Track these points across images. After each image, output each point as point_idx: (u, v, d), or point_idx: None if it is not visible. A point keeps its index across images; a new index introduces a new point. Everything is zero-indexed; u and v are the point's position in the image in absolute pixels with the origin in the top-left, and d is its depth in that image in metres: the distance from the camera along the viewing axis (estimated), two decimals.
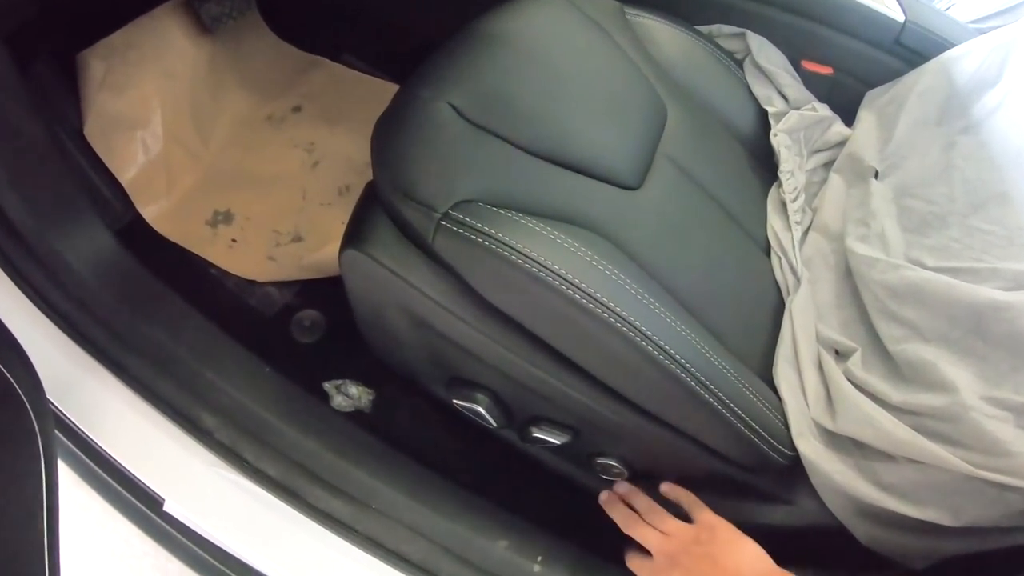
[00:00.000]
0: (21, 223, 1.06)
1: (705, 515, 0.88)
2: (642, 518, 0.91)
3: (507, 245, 0.77)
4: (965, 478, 0.80)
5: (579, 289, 0.76)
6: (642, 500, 0.94)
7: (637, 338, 0.78)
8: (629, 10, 1.19)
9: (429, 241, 0.80)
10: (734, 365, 0.88)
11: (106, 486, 1.27)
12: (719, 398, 0.83)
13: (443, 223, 0.79)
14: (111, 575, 1.50)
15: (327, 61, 1.69)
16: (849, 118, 1.24)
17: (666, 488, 0.95)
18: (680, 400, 0.83)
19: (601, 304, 0.77)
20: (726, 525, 0.86)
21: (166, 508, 1.13)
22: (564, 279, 0.76)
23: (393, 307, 0.91)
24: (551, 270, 0.76)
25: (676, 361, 0.80)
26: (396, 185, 0.83)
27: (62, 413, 1.07)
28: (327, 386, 1.19)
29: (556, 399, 0.90)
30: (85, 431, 1.15)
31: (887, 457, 0.88)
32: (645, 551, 0.88)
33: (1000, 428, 0.79)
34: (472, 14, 1.03)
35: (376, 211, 0.87)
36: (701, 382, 0.81)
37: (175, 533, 1.19)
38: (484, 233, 0.77)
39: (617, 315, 0.77)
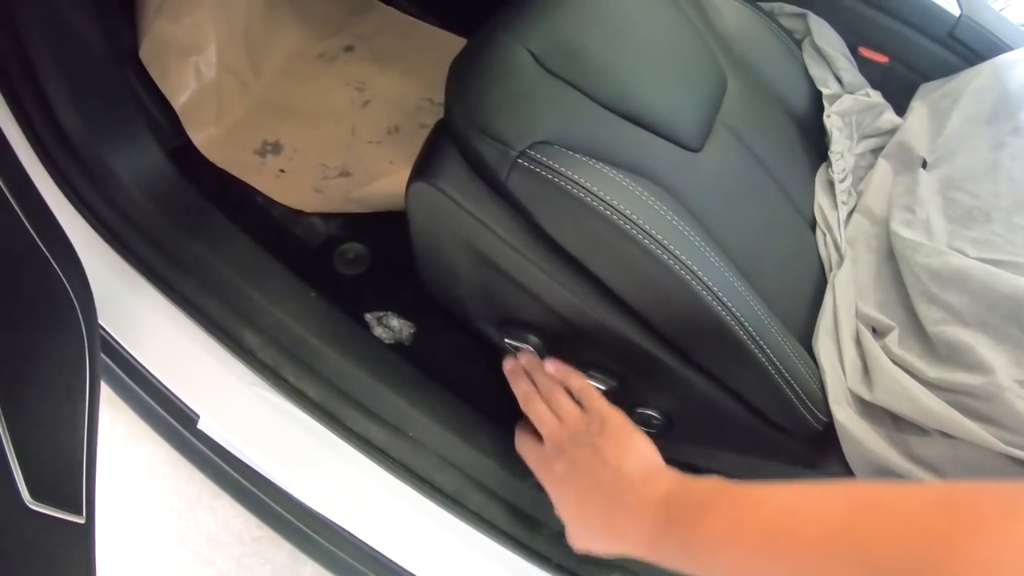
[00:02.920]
0: (77, 136, 1.07)
1: (598, 403, 0.89)
2: (542, 397, 0.92)
3: (581, 186, 0.79)
4: (995, 455, 0.83)
5: (647, 234, 0.79)
6: (544, 378, 0.95)
7: (697, 285, 0.80)
8: None
9: (503, 178, 0.82)
10: (781, 327, 0.90)
11: (141, 402, 1.29)
12: (766, 354, 0.85)
13: (519, 160, 0.80)
14: (131, 499, 1.53)
15: (382, 4, 1.70)
16: (900, 107, 1.26)
17: (552, 368, 0.95)
18: (730, 351, 0.85)
19: (667, 250, 0.79)
20: (620, 418, 0.86)
21: (200, 426, 1.15)
22: (634, 223, 0.78)
23: (457, 242, 0.92)
24: (623, 213, 0.78)
25: (731, 311, 0.82)
26: (473, 121, 0.84)
27: (103, 327, 1.09)
28: (368, 317, 1.21)
29: (609, 344, 0.91)
30: (125, 345, 1.16)
31: (920, 430, 0.90)
32: (537, 435, 0.90)
33: None
34: None
35: (448, 147, 0.88)
36: (751, 335, 0.83)
37: (207, 451, 1.21)
38: (560, 173, 0.79)
39: (681, 262, 0.79)
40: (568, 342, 0.96)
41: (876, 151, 1.25)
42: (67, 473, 0.81)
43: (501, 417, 1.03)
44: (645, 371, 0.93)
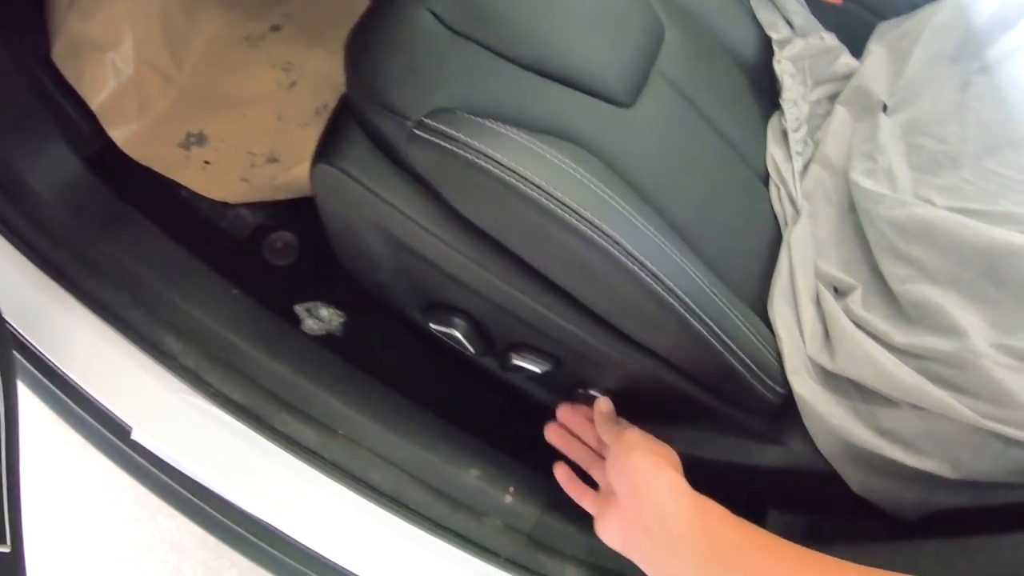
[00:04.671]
0: None
1: (626, 438, 0.79)
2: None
3: (483, 153, 0.72)
4: (970, 428, 0.78)
5: (561, 203, 0.72)
6: (589, 431, 0.91)
7: (623, 257, 0.74)
8: None
9: (403, 152, 0.76)
10: (727, 295, 0.85)
11: (75, 416, 1.26)
12: (709, 327, 0.80)
13: (417, 131, 0.74)
14: (92, 511, 1.52)
15: None
16: (857, 51, 1.21)
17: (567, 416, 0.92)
18: (668, 327, 0.80)
19: (584, 219, 0.73)
20: (640, 455, 0.77)
21: (133, 437, 1.11)
22: (543, 190, 0.72)
23: (367, 226, 0.87)
24: (530, 180, 0.72)
25: (664, 284, 0.76)
26: (369, 94, 0.79)
27: (26, 339, 1.05)
28: (298, 309, 1.18)
29: (538, 324, 0.87)
30: (51, 358, 1.13)
31: (888, 402, 0.85)
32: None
33: (1011, 378, 0.77)
34: None
35: (349, 124, 0.83)
36: (691, 308, 0.78)
37: (144, 463, 1.17)
38: (459, 141, 0.73)
39: (602, 232, 0.73)
40: (496, 324, 0.91)
41: (833, 97, 1.19)
42: None
43: (437, 406, 1.00)
44: (580, 351, 0.89)
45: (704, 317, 0.79)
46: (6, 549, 0.77)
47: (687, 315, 0.78)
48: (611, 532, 0.76)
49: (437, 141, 0.73)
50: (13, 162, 1.07)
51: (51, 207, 1.08)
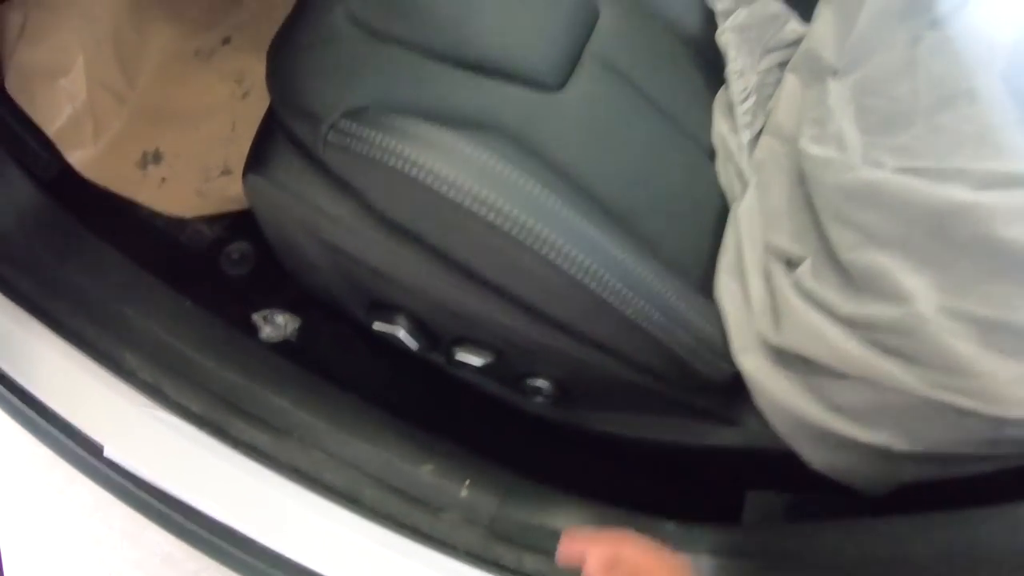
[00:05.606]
0: None
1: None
2: None
3: (398, 155, 0.73)
4: (922, 399, 0.77)
5: (475, 196, 0.73)
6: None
7: (541, 245, 0.75)
8: None
9: (320, 154, 0.77)
10: (662, 273, 0.85)
11: (52, 438, 1.29)
12: (638, 307, 0.80)
13: (331, 136, 0.75)
14: (83, 531, 1.54)
15: None
16: (808, 15, 1.16)
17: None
18: (595, 311, 0.80)
19: (499, 211, 0.74)
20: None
21: (106, 454, 1.13)
22: (459, 187, 0.73)
23: (300, 231, 0.89)
24: (444, 178, 0.73)
25: (585, 267, 0.76)
26: (285, 99, 0.80)
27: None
28: (255, 317, 1.20)
29: (472, 317, 0.88)
30: (22, 382, 1.15)
31: (838, 375, 0.84)
32: None
33: (961, 344, 0.74)
34: None
35: (274, 131, 0.85)
36: (615, 290, 0.78)
37: (120, 479, 1.20)
38: (372, 143, 0.74)
39: (516, 221, 0.74)
40: (435, 321, 0.93)
41: (784, 65, 1.16)
42: None
43: (390, 405, 1.01)
44: (517, 342, 0.90)
45: (633, 297, 0.79)
46: None
47: (612, 298, 0.78)
48: None
49: (350, 143, 0.74)
50: None
51: (12, 234, 1.11)
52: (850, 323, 0.82)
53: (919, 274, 0.79)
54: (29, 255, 1.10)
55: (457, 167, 0.74)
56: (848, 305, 0.82)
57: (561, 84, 0.93)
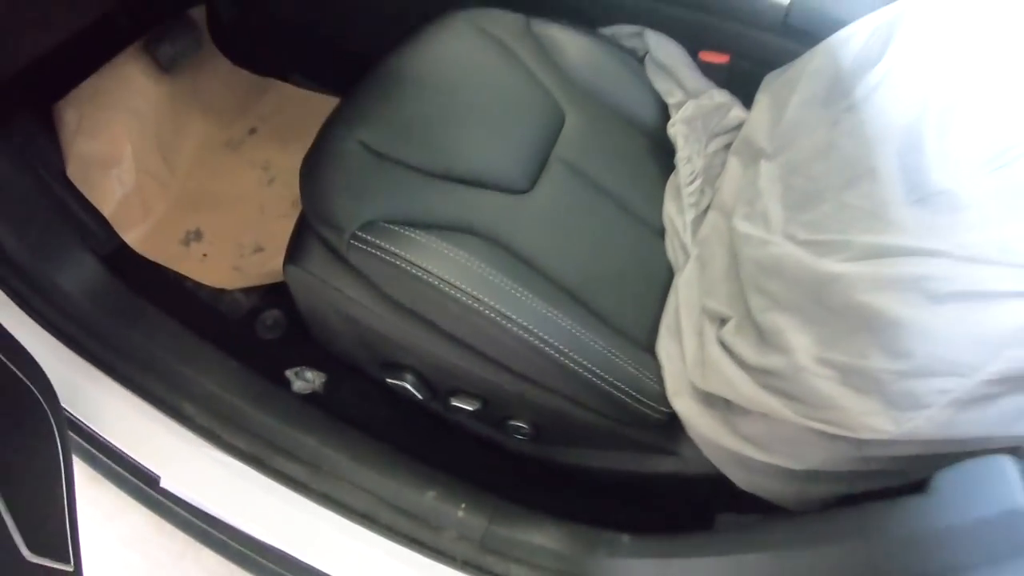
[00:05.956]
0: (18, 257, 1.26)
1: None
2: None
3: (402, 258, 0.97)
4: (802, 428, 0.89)
5: (458, 288, 0.97)
6: None
7: (505, 323, 0.97)
8: (535, 22, 1.33)
9: (344, 255, 1.00)
10: (610, 337, 1.04)
11: (113, 472, 1.46)
12: (585, 366, 1.00)
13: (352, 242, 0.99)
14: (121, 563, 1.64)
15: (278, 82, 1.85)
16: (751, 102, 1.28)
17: None
18: (553, 370, 1.00)
19: (478, 299, 0.97)
20: None
21: (162, 484, 1.32)
22: (446, 281, 0.97)
23: (328, 308, 1.11)
24: (435, 275, 0.97)
25: (540, 338, 0.98)
26: (316, 212, 1.03)
27: (70, 412, 1.25)
28: (288, 373, 1.39)
29: (462, 374, 1.09)
30: (91, 426, 1.34)
31: (744, 411, 0.97)
32: None
33: (827, 385, 0.87)
34: (407, 28, 1.22)
35: (307, 232, 1.07)
36: (567, 355, 0.99)
37: (174, 506, 1.39)
38: (383, 249, 0.98)
39: (488, 306, 0.97)
40: (434, 375, 1.14)
41: (728, 147, 1.29)
42: (55, 530, 0.98)
43: (399, 443, 1.21)
44: (497, 393, 1.11)
45: (582, 360, 1.00)
46: (70, 568, 0.95)
47: (566, 361, 0.99)
48: None
49: (368, 250, 0.98)
50: (45, 268, 1.28)
51: (79, 303, 1.30)
52: (753, 370, 0.95)
53: (803, 332, 0.93)
54: (97, 321, 1.29)
55: (443, 266, 0.98)
56: (754, 357, 0.96)
57: (529, 187, 1.15)
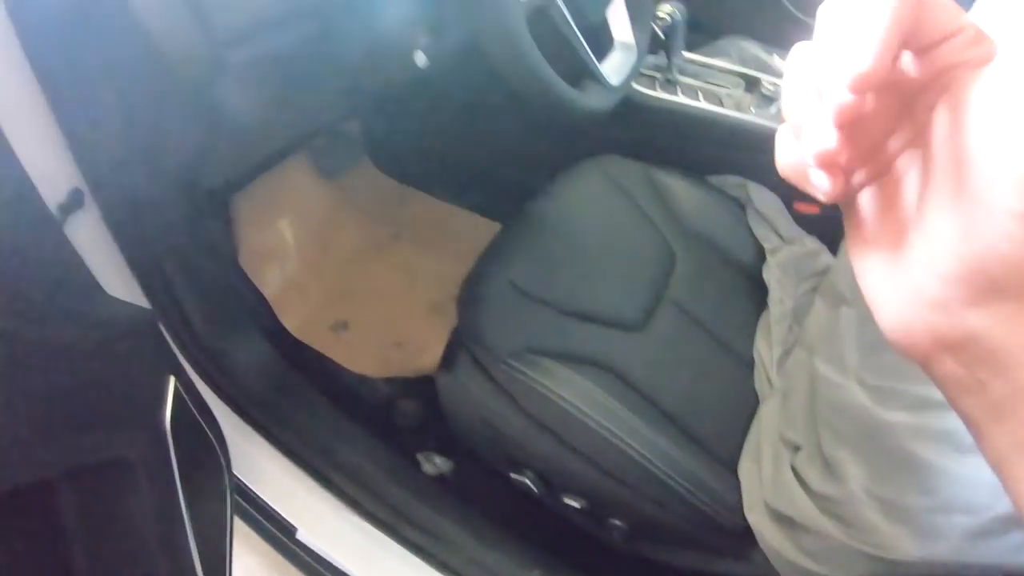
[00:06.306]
0: (202, 332, 1.46)
1: None
2: None
3: (542, 384, 1.21)
4: (848, 546, 1.05)
5: (584, 412, 1.20)
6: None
7: (617, 441, 1.19)
8: (654, 171, 1.58)
9: (492, 375, 1.25)
10: (697, 456, 1.23)
11: (251, 517, 1.68)
12: (677, 480, 1.19)
13: (502, 367, 1.23)
14: None
15: (422, 194, 2.09)
16: (838, 248, 1.47)
17: None
18: (650, 481, 1.19)
19: (596, 421, 1.20)
20: None
21: (298, 536, 1.53)
22: (575, 406, 1.20)
23: (470, 412, 1.34)
24: (568, 400, 1.21)
25: (643, 455, 1.18)
26: (471, 335, 1.28)
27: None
28: (419, 456, 1.60)
29: (575, 477, 1.28)
30: (243, 479, 1.57)
31: (805, 528, 1.11)
32: None
33: (872, 514, 1.03)
34: (538, 161, 1.49)
35: (460, 347, 1.32)
36: (661, 469, 1.18)
37: (304, 555, 1.60)
38: (528, 376, 1.22)
39: (605, 427, 1.19)
40: (552, 476, 1.34)
41: (816, 289, 1.42)
42: (219, 558, 1.19)
43: (513, 526, 1.41)
44: (604, 495, 1.30)
45: (678, 478, 1.19)
46: None
47: (666, 479, 1.18)
48: None
49: (516, 375, 1.22)
50: (223, 344, 1.48)
51: (248, 374, 1.50)
52: (816, 495, 1.10)
53: (859, 466, 1.07)
54: (261, 392, 1.50)
55: (573, 393, 1.22)
56: (818, 484, 1.10)
57: (643, 325, 1.38)
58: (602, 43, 1.37)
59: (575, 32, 1.14)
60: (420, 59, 1.18)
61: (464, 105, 1.96)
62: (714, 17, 2.48)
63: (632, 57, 1.37)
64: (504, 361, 1.24)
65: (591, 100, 1.20)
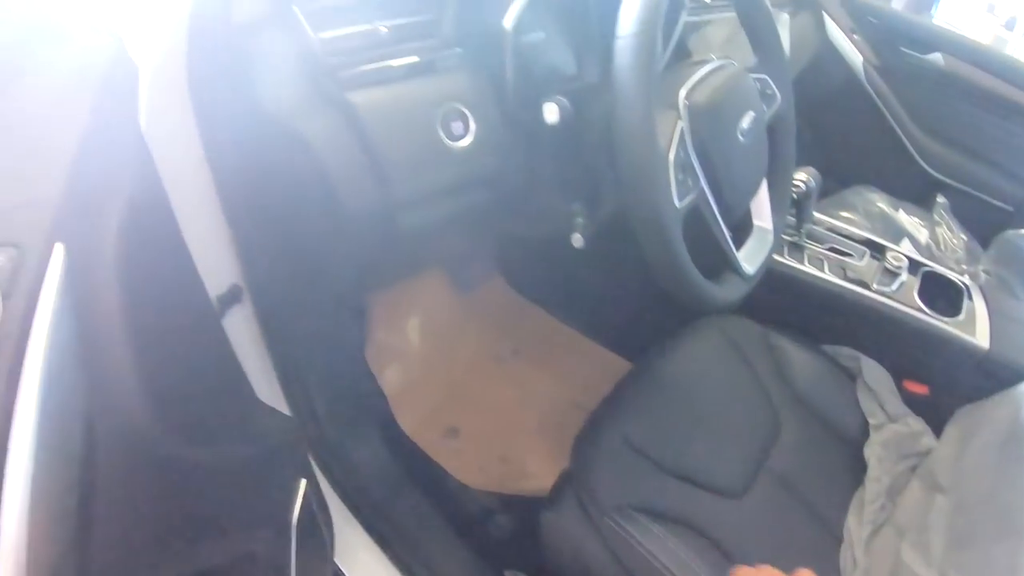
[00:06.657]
0: (329, 433, 1.56)
1: None
2: None
3: (639, 542, 1.29)
4: None
5: (664, 565, 1.27)
6: None
7: None
8: (772, 335, 1.65)
9: (596, 526, 1.33)
10: None
11: None
12: None
13: (605, 520, 1.32)
14: None
15: (547, 314, 2.18)
16: (942, 431, 1.49)
17: None
18: None
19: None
20: None
21: None
22: (667, 568, 1.28)
23: (566, 549, 1.41)
24: (660, 561, 1.28)
25: None
26: (582, 485, 1.37)
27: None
28: (507, 573, 1.68)
29: None
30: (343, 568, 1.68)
31: None
32: None
33: None
34: (662, 305, 1.50)
35: (568, 488, 1.41)
36: None
37: None
38: (629, 533, 1.30)
39: None
40: None
41: (914, 469, 1.46)
42: None
43: None
44: None
45: None
46: None
47: None
48: None
49: (616, 529, 1.31)
50: (346, 441, 1.58)
51: (367, 476, 1.60)
52: None
53: None
54: (378, 496, 1.58)
55: (666, 555, 1.28)
56: None
57: (742, 494, 1.43)
58: (741, 226, 1.44)
59: (722, 229, 1.22)
60: (577, 241, 1.29)
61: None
62: (842, 166, 2.56)
63: (768, 243, 1.45)
64: (609, 515, 1.32)
65: (727, 293, 1.27)
